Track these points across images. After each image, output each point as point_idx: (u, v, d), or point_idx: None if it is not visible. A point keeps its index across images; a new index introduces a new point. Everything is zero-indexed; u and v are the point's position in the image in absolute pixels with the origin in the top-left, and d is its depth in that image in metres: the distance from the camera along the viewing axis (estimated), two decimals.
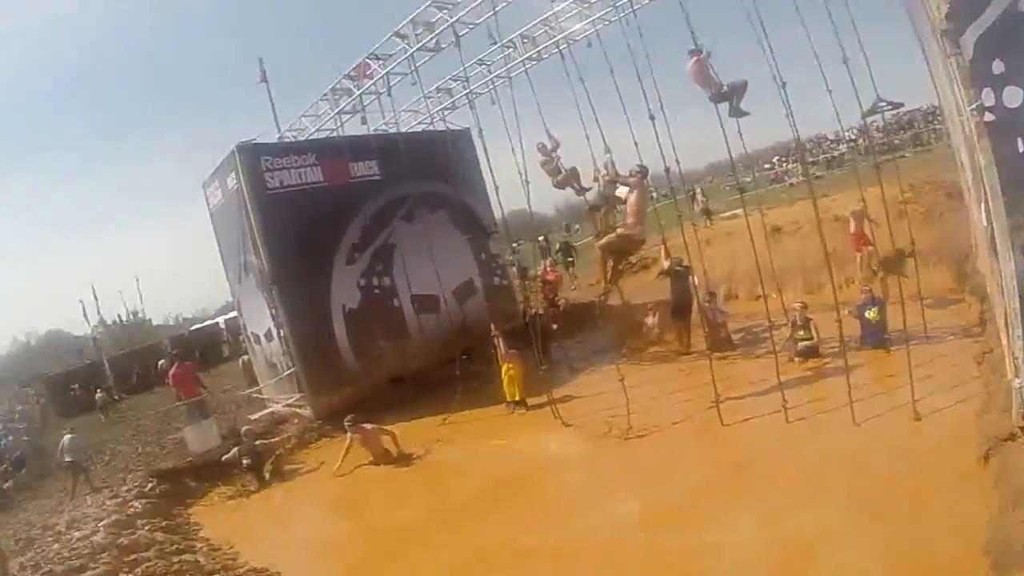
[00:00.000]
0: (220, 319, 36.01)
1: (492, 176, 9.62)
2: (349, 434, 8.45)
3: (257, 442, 9.39)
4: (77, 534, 7.67)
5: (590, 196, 9.67)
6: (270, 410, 11.87)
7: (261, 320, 12.00)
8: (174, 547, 6.95)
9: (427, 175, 12.95)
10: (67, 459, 10.34)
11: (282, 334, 11.30)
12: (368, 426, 8.66)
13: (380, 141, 12.61)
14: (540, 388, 8.86)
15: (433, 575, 5.17)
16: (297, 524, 7.84)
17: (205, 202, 12.90)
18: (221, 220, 12.86)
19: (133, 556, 6.74)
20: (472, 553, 5.30)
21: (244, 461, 8.91)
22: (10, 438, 16.82)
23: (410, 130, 13.81)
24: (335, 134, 12.77)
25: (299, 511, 8.25)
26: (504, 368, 9.19)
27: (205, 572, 5.99)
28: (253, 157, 11.17)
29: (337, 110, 12.27)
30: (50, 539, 7.91)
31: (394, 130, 13.08)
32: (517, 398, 9.03)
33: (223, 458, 9.17)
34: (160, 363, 13.42)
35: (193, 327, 39.05)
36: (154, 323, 38.16)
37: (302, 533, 7.35)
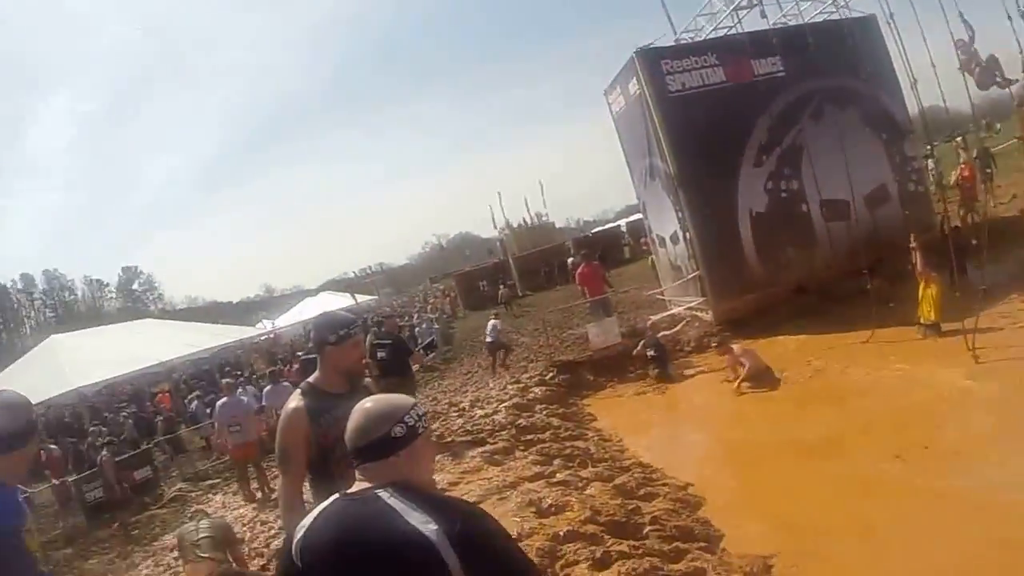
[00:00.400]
0: (622, 222, 49.57)
1: (908, 67, 12.15)
2: (738, 347, 12.03)
3: (660, 335, 14.11)
4: (480, 412, 12.23)
5: (1015, 89, 11.47)
6: (671, 312, 16.56)
7: (666, 223, 16.69)
8: (568, 433, 10.62)
9: (834, 69, 15.95)
10: (489, 339, 17.38)
11: (687, 237, 15.59)
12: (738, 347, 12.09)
13: (782, 35, 16.07)
14: (954, 313, 10.92)
15: (812, 499, 6.95)
16: (683, 426, 11.37)
17: (608, 108, 18.09)
18: (625, 125, 17.67)
19: (529, 436, 10.38)
20: (858, 486, 6.95)
21: (649, 353, 13.55)
22: (424, 326, 26.37)
23: (810, 21, 16.73)
24: (733, 31, 16.62)
25: (688, 413, 11.90)
26: (921, 285, 11.61)
27: (594, 459, 8.99)
28: (653, 61, 15.35)
29: (733, 6, 16.11)
30: (455, 415, 12.75)
31: (795, 22, 16.50)
32: (932, 320, 11.43)
33: (634, 352, 13.85)
34: (570, 261, 20.47)
35: (595, 229, 53.00)
36: (557, 226, 53.41)
37: (687, 436, 10.72)
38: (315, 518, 2.20)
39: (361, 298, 44.53)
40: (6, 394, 3.09)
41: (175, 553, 10.45)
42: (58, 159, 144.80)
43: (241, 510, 12.24)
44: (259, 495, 12.91)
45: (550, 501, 7.16)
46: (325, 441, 3.64)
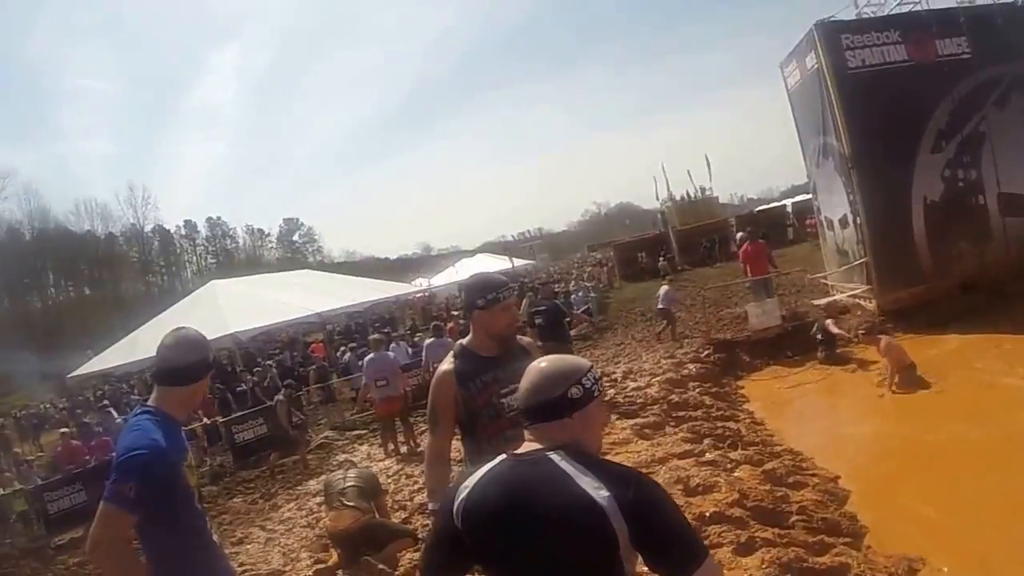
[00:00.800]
0: (787, 201, 49.21)
1: None
2: (884, 340, 11.47)
3: (828, 321, 13.80)
4: (632, 384, 12.39)
5: None
6: (833, 298, 16.16)
7: (837, 205, 16.25)
8: (719, 412, 10.63)
9: None
10: (660, 306, 17.83)
11: (857, 221, 15.15)
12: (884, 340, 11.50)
13: (970, 14, 15.26)
14: None
15: (966, 508, 6.67)
16: (836, 416, 11.07)
17: (783, 82, 17.67)
18: (799, 101, 17.23)
19: (681, 413, 10.44)
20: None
21: (818, 337, 13.45)
22: (580, 293, 27.02)
23: (1001, 1, 15.70)
24: (917, 8, 15.79)
25: (842, 404, 11.60)
26: None
27: (744, 442, 8.96)
28: (833, 35, 14.87)
29: None
30: (607, 385, 12.52)
31: (984, 1, 15.48)
32: None
33: (812, 331, 13.75)
34: (739, 236, 20.23)
35: (759, 208, 52.88)
36: (720, 201, 52.66)
37: (840, 426, 10.37)
38: (479, 479, 2.22)
39: (518, 262, 45.02)
40: (188, 330, 3.37)
41: (319, 499, 10.95)
42: (225, 111, 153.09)
43: (386, 461, 12.70)
44: (404, 449, 13.37)
45: (698, 480, 7.14)
46: (473, 404, 3.74)
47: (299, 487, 12.85)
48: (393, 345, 19.04)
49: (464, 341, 3.99)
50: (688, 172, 46.08)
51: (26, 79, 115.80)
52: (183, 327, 3.40)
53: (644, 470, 7.57)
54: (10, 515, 13.83)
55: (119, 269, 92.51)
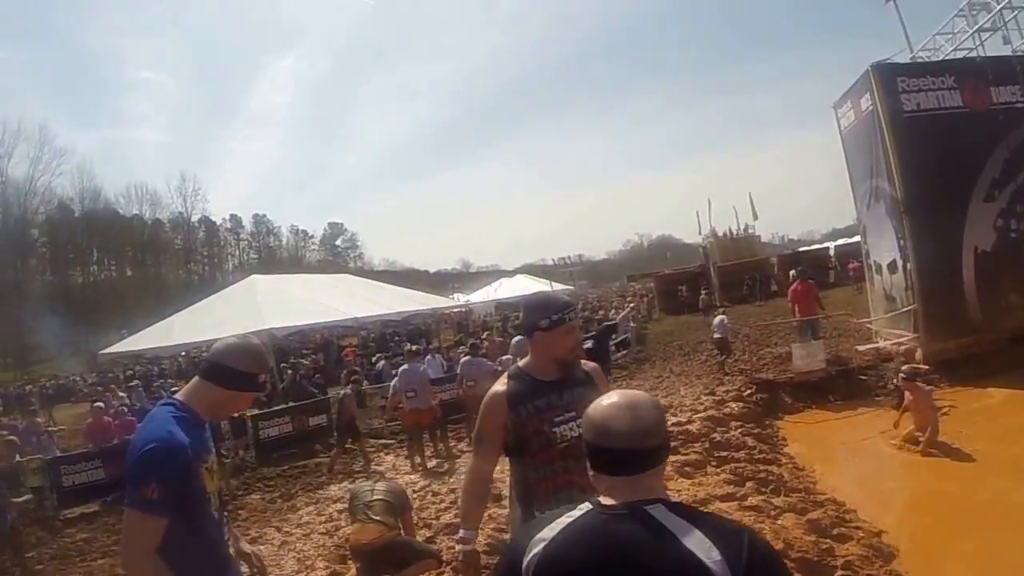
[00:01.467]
0: (830, 244, 49.00)
1: None
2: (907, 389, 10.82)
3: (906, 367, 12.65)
4: (672, 419, 11.83)
5: None
6: (876, 345, 15.86)
7: (886, 249, 15.87)
8: (762, 455, 10.22)
9: None
10: (716, 335, 17.79)
11: (907, 267, 14.80)
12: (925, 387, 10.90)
13: None
14: None
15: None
16: (880, 465, 10.55)
17: (835, 123, 17.51)
18: (852, 142, 17.00)
19: (723, 453, 10.06)
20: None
21: (895, 382, 12.62)
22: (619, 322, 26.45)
23: None
24: (973, 54, 15.74)
25: (886, 452, 10.95)
26: None
27: (787, 488, 8.60)
28: (889, 77, 14.69)
29: (975, 27, 15.47)
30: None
31: None
32: None
33: (894, 377, 12.96)
34: (791, 273, 19.87)
35: (800, 248, 52.82)
36: (762, 240, 53.05)
37: (884, 477, 9.96)
38: (559, 532, 1.89)
39: (557, 286, 44.62)
40: (256, 342, 3.23)
41: (339, 505, 10.72)
42: (280, 113, 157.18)
43: (412, 476, 12.41)
44: (432, 463, 13.27)
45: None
46: (523, 430, 3.46)
47: (320, 491, 12.62)
48: (429, 358, 18.99)
49: (522, 363, 3.69)
50: (734, 208, 45.74)
51: (90, 66, 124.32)
52: (252, 339, 3.26)
53: None
54: (24, 484, 13.60)
55: (162, 254, 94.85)
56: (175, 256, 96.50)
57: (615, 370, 20.17)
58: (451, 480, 11.34)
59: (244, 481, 14.08)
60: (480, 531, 3.93)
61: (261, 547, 9.43)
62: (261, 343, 3.24)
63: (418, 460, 13.20)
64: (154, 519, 2.63)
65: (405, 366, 14.00)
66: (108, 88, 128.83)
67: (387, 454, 15.09)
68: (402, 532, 6.81)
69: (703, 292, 36.55)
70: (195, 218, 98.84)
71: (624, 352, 22.86)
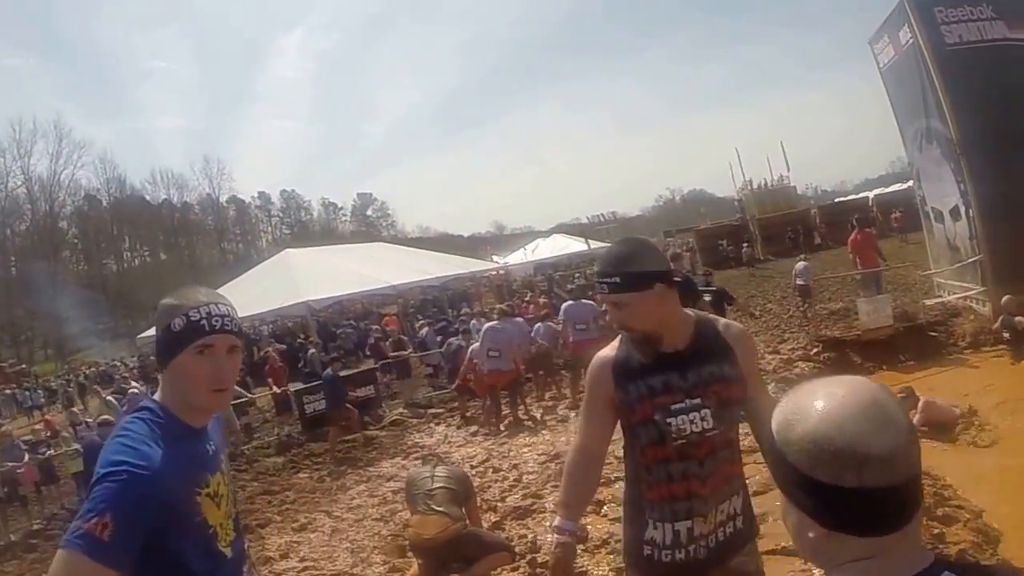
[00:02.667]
0: (870, 193, 48.58)
1: None
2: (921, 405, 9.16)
3: (1018, 319, 12.05)
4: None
5: None
6: (942, 299, 15.02)
7: (946, 195, 14.77)
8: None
9: None
10: (799, 282, 17.22)
11: (969, 213, 13.78)
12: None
13: None
14: None
15: None
16: (969, 433, 9.12)
17: (874, 60, 16.41)
18: (894, 80, 15.87)
19: None
20: None
21: (1005, 335, 11.95)
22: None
23: None
24: None
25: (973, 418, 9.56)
26: None
27: None
28: (925, 7, 13.59)
29: None
30: None
31: None
32: None
33: (995, 327, 12.30)
34: (855, 218, 18.75)
35: (839, 199, 52.66)
36: (797, 191, 52.02)
37: (970, 446, 8.71)
38: None
39: (594, 244, 43.89)
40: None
41: (392, 484, 10.20)
42: (298, 89, 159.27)
43: (469, 449, 11.86)
44: (484, 432, 12.89)
45: None
46: (630, 416, 2.76)
47: (371, 467, 12.23)
48: (474, 322, 18.40)
49: None
50: (767, 159, 44.49)
51: (100, 62, 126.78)
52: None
53: (776, 489, 6.54)
54: (63, 475, 13.89)
55: (195, 236, 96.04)
56: (208, 236, 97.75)
57: None
58: (513, 454, 10.74)
59: (291, 459, 13.81)
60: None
61: (311, 535, 8.98)
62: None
63: (491, 425, 12.94)
64: (96, 567, 1.80)
65: (495, 323, 13.45)
66: (121, 81, 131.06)
67: (437, 424, 14.72)
68: (468, 523, 6.10)
69: (745, 245, 36.08)
70: (224, 198, 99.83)
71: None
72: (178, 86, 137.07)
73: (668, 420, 2.65)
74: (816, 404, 1.23)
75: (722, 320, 2.97)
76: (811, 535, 1.23)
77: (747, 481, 3.00)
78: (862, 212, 24.55)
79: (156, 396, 2.22)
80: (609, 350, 2.84)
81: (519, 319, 14.69)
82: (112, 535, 1.81)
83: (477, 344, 13.70)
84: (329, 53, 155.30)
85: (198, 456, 2.18)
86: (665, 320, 2.72)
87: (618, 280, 2.67)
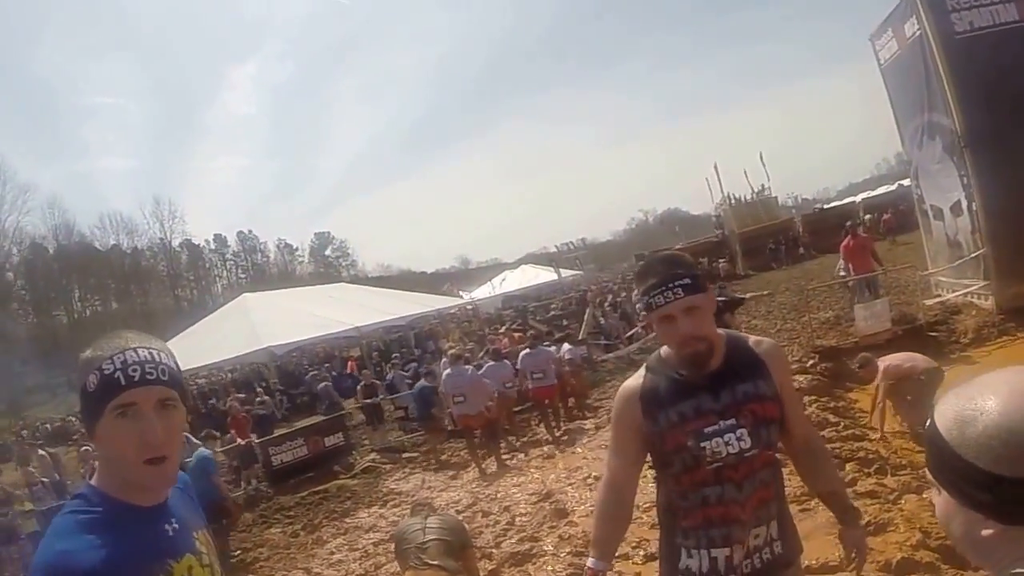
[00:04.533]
0: (857, 198, 49.12)
1: None
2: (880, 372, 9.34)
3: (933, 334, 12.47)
4: None
5: None
6: (941, 298, 15.05)
7: (947, 191, 14.79)
8: (849, 432, 9.46)
9: None
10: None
11: (972, 208, 13.84)
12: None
13: None
14: None
15: None
16: None
17: (874, 57, 16.56)
18: (895, 75, 16.00)
19: None
20: None
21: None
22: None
23: None
24: None
25: None
26: None
27: (893, 466, 7.94)
28: None
29: None
30: None
31: None
32: None
33: None
34: (848, 224, 18.65)
35: (817, 207, 52.30)
36: (778, 202, 52.47)
37: None
38: None
39: (565, 272, 43.84)
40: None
41: (372, 535, 9.94)
42: (249, 125, 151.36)
43: (452, 493, 11.63)
44: (471, 475, 12.76)
45: (868, 517, 5.93)
46: (661, 445, 2.66)
47: (348, 518, 11.93)
48: (445, 360, 18.23)
49: (664, 350, 2.78)
50: (744, 171, 44.60)
51: (41, 97, 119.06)
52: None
53: (794, 505, 6.36)
54: (20, 535, 13.09)
55: (147, 283, 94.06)
56: (161, 283, 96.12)
57: (645, 354, 19.45)
58: (501, 496, 10.51)
59: (261, 513, 13.41)
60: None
61: None
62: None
63: (479, 467, 12.80)
64: None
65: (449, 370, 13.48)
66: (65, 118, 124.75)
67: (412, 469, 14.57)
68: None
69: (722, 261, 36.62)
70: (176, 242, 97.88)
71: (652, 334, 21.99)
72: (125, 124, 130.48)
73: (702, 444, 2.55)
74: (992, 398, 1.21)
75: (751, 336, 2.88)
76: (985, 533, 1.22)
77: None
78: (852, 217, 24.70)
79: (94, 478, 1.84)
80: (634, 380, 2.75)
81: (469, 366, 14.54)
82: None
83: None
84: (285, 85, 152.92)
85: (152, 541, 1.79)
86: (716, 333, 2.65)
87: (690, 281, 2.55)
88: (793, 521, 2.89)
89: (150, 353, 1.76)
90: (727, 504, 2.58)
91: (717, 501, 2.58)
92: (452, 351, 15.41)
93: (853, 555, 2.90)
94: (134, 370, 1.72)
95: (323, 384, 20.98)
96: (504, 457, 13.00)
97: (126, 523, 1.74)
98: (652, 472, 2.93)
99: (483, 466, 12.65)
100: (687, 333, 2.55)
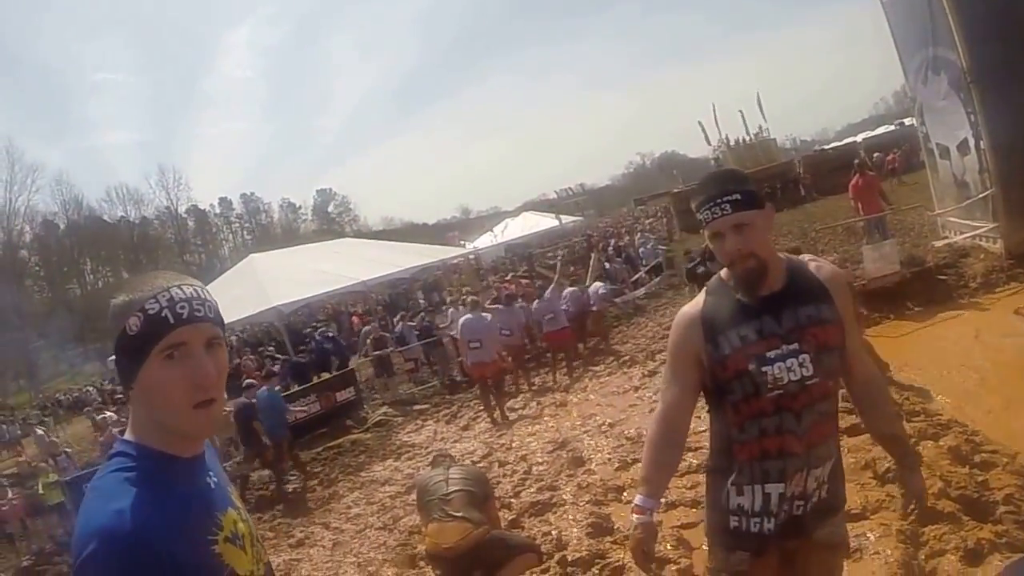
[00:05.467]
0: (856, 138, 48.94)
1: None
2: None
3: (942, 277, 12.43)
4: None
5: None
6: (948, 239, 14.86)
7: (954, 128, 14.39)
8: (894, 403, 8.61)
9: None
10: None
11: (980, 146, 13.42)
12: None
13: None
14: None
15: None
16: (987, 376, 9.18)
17: None
18: (898, 8, 15.54)
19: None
20: None
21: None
22: (649, 245, 26.88)
23: None
24: None
25: (989, 358, 9.76)
26: None
27: (907, 413, 7.69)
28: None
29: None
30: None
31: None
32: None
33: None
34: (856, 162, 18.36)
35: (817, 148, 52.31)
36: (777, 143, 51.88)
37: (994, 390, 8.55)
38: None
39: (566, 219, 43.65)
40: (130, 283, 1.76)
41: (388, 488, 9.91)
42: (248, 88, 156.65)
43: (465, 444, 11.48)
44: (484, 425, 12.57)
45: (887, 464, 5.84)
46: (721, 372, 2.57)
47: (363, 472, 11.92)
48: (451, 311, 18.13)
49: (724, 271, 2.68)
50: (740, 113, 43.97)
51: (44, 80, 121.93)
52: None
53: None
54: (46, 508, 13.42)
55: (156, 251, 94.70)
56: (169, 251, 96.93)
57: (651, 299, 20.14)
58: (517, 445, 10.38)
59: (276, 473, 13.08)
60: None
61: (311, 551, 8.72)
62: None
63: (490, 416, 12.60)
64: None
65: (468, 315, 13.12)
66: (68, 97, 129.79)
67: (424, 421, 14.43)
68: (489, 526, 5.72)
69: None
70: (182, 209, 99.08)
71: (658, 279, 21.75)
72: (126, 97, 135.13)
73: (763, 369, 2.48)
74: None
75: (809, 259, 2.76)
76: None
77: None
78: (861, 155, 24.26)
79: (127, 433, 1.68)
80: (693, 305, 2.68)
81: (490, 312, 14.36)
82: None
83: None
84: (278, 47, 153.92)
85: (200, 495, 1.68)
86: (771, 252, 2.56)
87: (740, 196, 2.47)
88: (843, 467, 2.78)
89: (195, 290, 1.67)
90: (784, 436, 2.50)
91: (775, 431, 2.51)
92: (472, 297, 15.15)
93: (913, 504, 2.86)
94: (182, 307, 1.61)
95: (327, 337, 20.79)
96: (517, 406, 12.97)
97: (174, 476, 1.63)
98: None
99: (494, 416, 12.52)
100: (734, 249, 2.49)
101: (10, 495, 13.62)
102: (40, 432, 18.88)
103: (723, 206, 2.46)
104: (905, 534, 5.00)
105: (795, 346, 2.48)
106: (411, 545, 7.29)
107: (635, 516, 2.68)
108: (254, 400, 12.00)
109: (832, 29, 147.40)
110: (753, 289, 2.50)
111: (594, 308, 15.76)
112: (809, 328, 2.50)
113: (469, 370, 13.05)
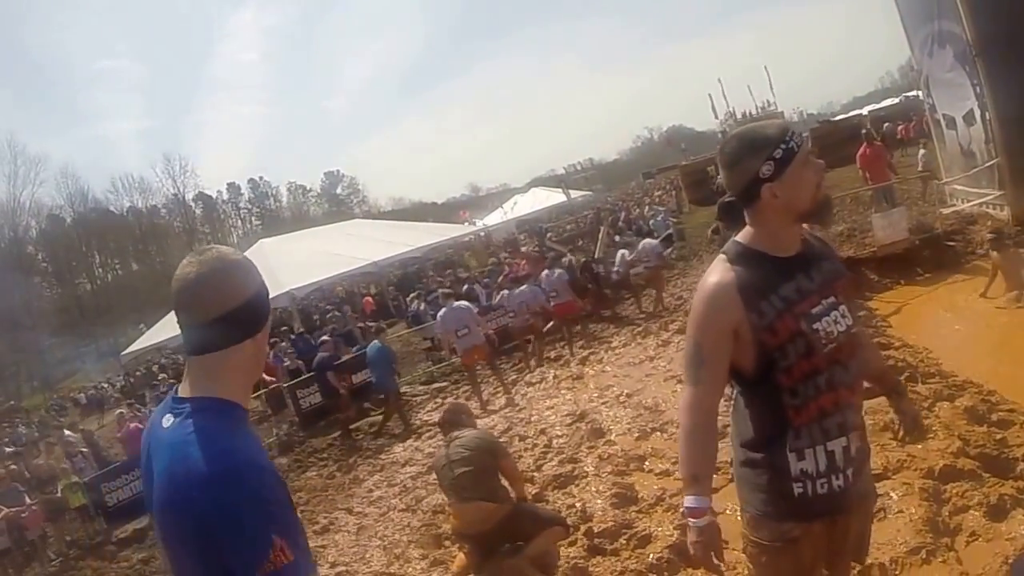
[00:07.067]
0: (863, 111, 49.04)
1: None
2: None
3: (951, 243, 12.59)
4: None
5: None
6: (956, 207, 14.94)
7: (959, 99, 14.55)
8: (876, 340, 8.96)
9: None
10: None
11: (986, 116, 13.56)
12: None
13: None
14: None
15: None
16: (996, 337, 9.67)
17: None
18: None
19: None
20: None
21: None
22: (659, 218, 26.90)
23: None
24: None
25: (998, 322, 10.12)
26: None
27: (923, 374, 7.89)
28: None
29: None
30: None
31: None
32: None
33: None
34: (864, 132, 18.58)
35: (831, 119, 52.28)
36: (784, 116, 51.85)
37: (1004, 349, 9.05)
38: None
39: (574, 193, 43.57)
40: (218, 249, 1.89)
41: (409, 469, 10.02)
42: (252, 71, 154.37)
43: (485, 420, 11.43)
44: (501, 402, 12.55)
45: None
46: (772, 338, 2.41)
47: (382, 454, 11.94)
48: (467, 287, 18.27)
49: (743, 237, 2.57)
50: (749, 87, 43.74)
51: (45, 70, 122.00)
52: (207, 247, 1.89)
53: None
54: (67, 510, 13.22)
55: (164, 240, 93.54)
56: (178, 239, 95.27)
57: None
58: (536, 419, 10.42)
59: (295, 458, 13.44)
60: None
61: (336, 536, 8.67)
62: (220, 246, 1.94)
63: (481, 400, 12.69)
64: None
65: (444, 309, 13.27)
66: (69, 87, 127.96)
67: (444, 398, 14.43)
68: (512, 493, 5.74)
69: None
70: (190, 196, 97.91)
71: (670, 249, 21.77)
72: (130, 85, 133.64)
73: (815, 327, 2.43)
74: None
75: None
76: None
77: None
78: (868, 126, 24.34)
79: (197, 389, 1.82)
80: (721, 275, 2.49)
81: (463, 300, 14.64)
82: (292, 555, 1.62)
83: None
84: (283, 27, 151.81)
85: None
86: None
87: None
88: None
89: None
90: (837, 388, 2.46)
91: (828, 387, 2.45)
92: (442, 290, 16.00)
93: (910, 424, 2.92)
94: None
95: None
96: (534, 380, 13.19)
97: (248, 427, 1.84)
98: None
99: (484, 398, 12.76)
100: (822, 173, 2.52)
101: (28, 500, 13.45)
102: (67, 433, 18.76)
103: (803, 135, 2.47)
104: (928, 492, 5.05)
105: (832, 299, 2.49)
106: (436, 525, 7.35)
107: (692, 520, 2.51)
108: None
109: (838, 3, 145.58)
110: (829, 216, 2.60)
111: (651, 265, 16.32)
112: (835, 280, 2.55)
113: (463, 356, 13.05)
